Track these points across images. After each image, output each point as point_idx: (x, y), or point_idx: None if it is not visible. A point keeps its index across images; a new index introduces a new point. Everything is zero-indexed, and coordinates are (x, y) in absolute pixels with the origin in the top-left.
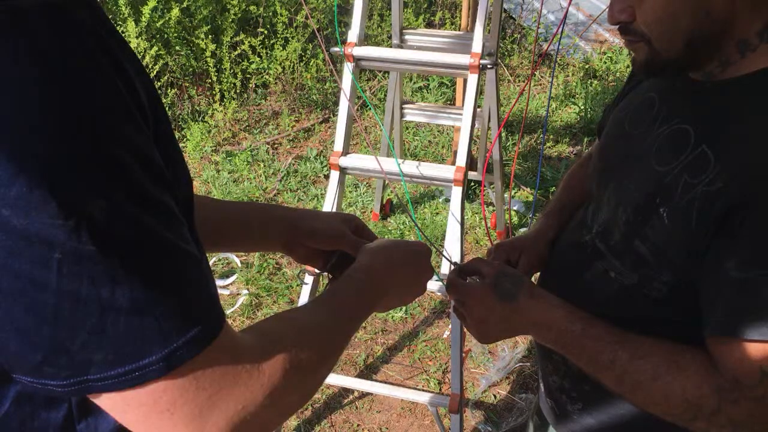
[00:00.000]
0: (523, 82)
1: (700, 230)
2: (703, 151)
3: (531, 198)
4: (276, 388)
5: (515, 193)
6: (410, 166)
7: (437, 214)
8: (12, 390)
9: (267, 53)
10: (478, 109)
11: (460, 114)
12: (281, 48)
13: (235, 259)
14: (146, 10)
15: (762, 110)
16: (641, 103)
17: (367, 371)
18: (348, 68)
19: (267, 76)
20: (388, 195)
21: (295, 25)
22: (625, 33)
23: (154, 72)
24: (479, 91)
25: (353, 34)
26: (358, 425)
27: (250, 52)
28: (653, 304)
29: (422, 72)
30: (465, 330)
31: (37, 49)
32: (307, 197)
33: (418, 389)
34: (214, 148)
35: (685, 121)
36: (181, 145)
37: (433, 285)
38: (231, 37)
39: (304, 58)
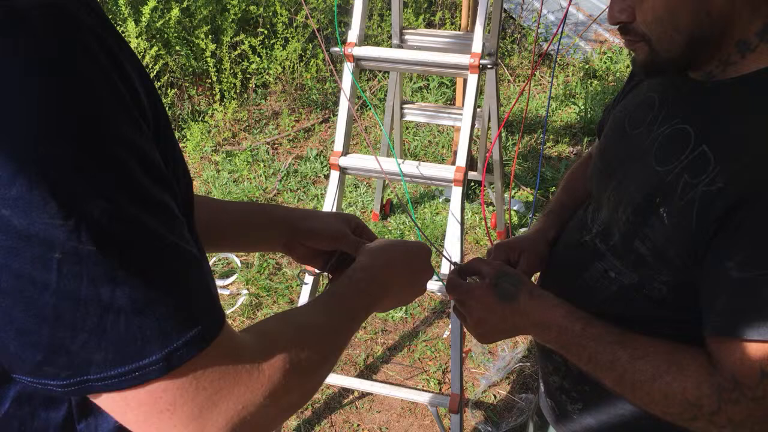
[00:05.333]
0: (523, 82)
1: (700, 230)
2: (704, 151)
3: (531, 198)
4: (276, 388)
5: (515, 193)
6: (410, 166)
7: (437, 214)
8: (12, 390)
9: (267, 53)
10: (478, 109)
11: (460, 114)
12: (281, 48)
13: (235, 259)
14: (146, 10)
15: (762, 110)
16: (641, 103)
17: (367, 371)
18: (348, 68)
19: (267, 76)
20: (388, 195)
21: (295, 25)
22: (625, 33)
23: (154, 72)
24: (479, 91)
25: (353, 34)
26: (358, 425)
27: (250, 52)
28: (653, 304)
29: (422, 72)
30: (465, 330)
31: (37, 49)
32: (307, 197)
33: (418, 389)
34: (214, 148)
35: (686, 121)
36: (181, 145)
37: (433, 285)
38: (231, 37)
39: (304, 58)
